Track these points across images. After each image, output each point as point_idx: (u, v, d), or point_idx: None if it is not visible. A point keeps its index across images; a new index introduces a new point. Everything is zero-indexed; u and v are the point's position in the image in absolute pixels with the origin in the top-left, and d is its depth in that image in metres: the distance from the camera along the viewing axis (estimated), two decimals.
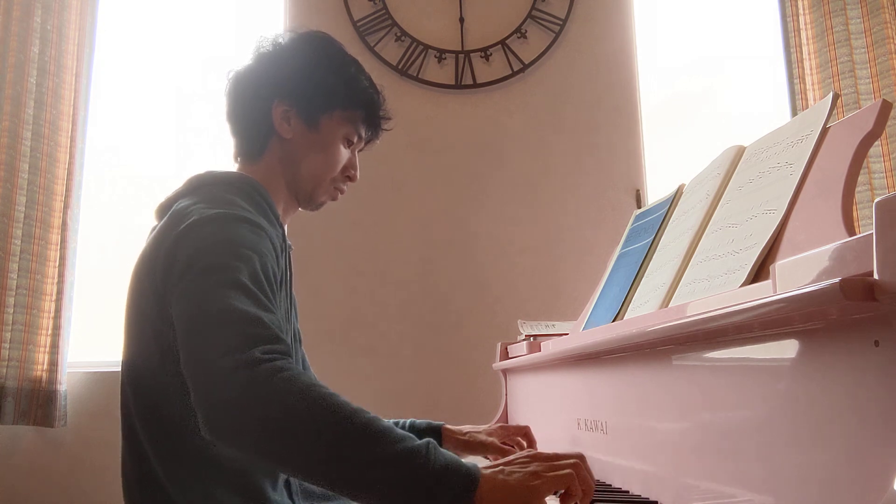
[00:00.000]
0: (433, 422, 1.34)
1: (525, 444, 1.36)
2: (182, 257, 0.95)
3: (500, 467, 0.83)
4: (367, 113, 1.21)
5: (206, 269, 0.92)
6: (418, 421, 1.34)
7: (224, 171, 1.16)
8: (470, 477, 0.79)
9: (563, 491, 0.82)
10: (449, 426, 1.34)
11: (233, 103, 1.20)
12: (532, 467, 0.82)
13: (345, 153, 1.21)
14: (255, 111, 1.17)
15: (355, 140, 1.22)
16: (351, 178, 1.24)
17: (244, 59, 1.20)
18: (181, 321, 0.90)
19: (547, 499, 0.82)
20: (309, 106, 1.16)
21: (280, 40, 1.20)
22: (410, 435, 0.81)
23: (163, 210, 1.12)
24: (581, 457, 0.85)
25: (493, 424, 1.37)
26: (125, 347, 1.08)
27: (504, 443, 1.34)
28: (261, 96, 1.17)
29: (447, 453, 0.81)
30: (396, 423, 1.34)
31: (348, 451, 0.78)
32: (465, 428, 1.34)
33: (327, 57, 1.19)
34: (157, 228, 1.07)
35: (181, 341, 0.88)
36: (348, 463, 0.78)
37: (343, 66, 1.20)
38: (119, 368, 1.09)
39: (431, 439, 0.82)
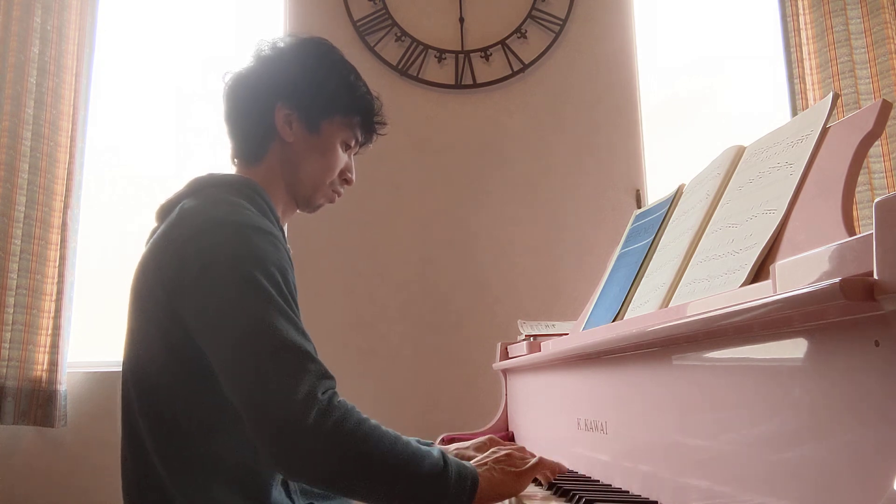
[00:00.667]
0: (422, 441, 1.33)
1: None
2: (197, 260, 0.97)
3: (488, 465, 1.06)
4: (364, 118, 1.23)
5: (239, 283, 0.96)
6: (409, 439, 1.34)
7: (225, 174, 1.17)
8: (475, 478, 1.00)
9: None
10: (437, 445, 1.33)
11: (232, 105, 1.20)
12: (510, 461, 1.07)
13: (342, 156, 1.23)
14: (256, 114, 1.18)
15: (352, 144, 1.24)
16: (348, 182, 1.27)
17: (244, 61, 1.21)
18: (219, 336, 0.95)
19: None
20: (311, 110, 1.18)
21: (280, 44, 1.20)
22: (428, 449, 0.99)
23: (165, 211, 1.12)
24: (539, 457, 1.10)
25: (481, 438, 1.36)
26: (128, 347, 1.08)
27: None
28: (262, 99, 1.17)
29: (453, 460, 1.00)
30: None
31: (400, 479, 0.95)
32: (452, 447, 1.35)
33: (329, 63, 1.21)
34: (163, 228, 1.08)
35: (223, 364, 0.95)
36: (397, 488, 0.95)
37: (344, 73, 1.22)
38: (119, 368, 1.09)
39: (441, 449, 1.01)
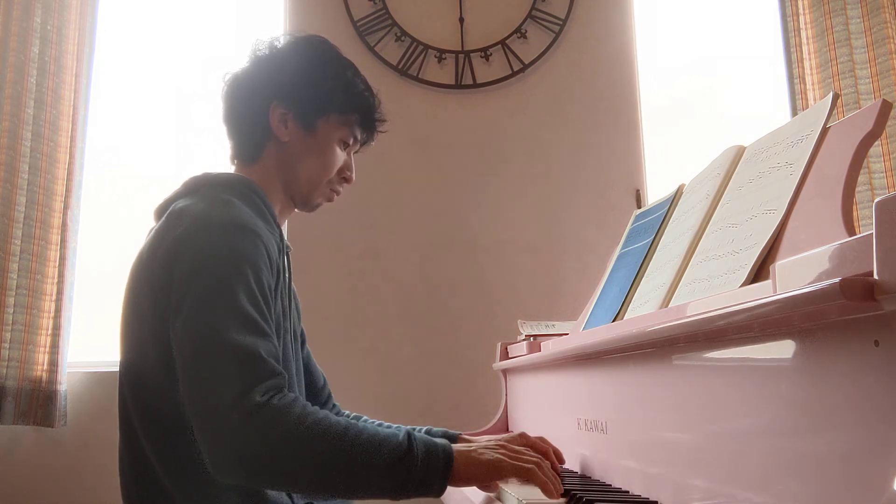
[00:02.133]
0: (449, 431, 1.31)
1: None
2: (182, 267, 0.98)
3: (474, 447, 1.02)
4: (362, 116, 1.23)
5: (205, 289, 0.96)
6: (434, 430, 1.32)
7: (222, 173, 1.16)
8: (447, 457, 0.96)
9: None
10: (464, 436, 1.31)
11: (230, 106, 1.20)
12: (500, 452, 1.01)
13: (341, 155, 1.22)
14: (252, 114, 1.18)
15: (351, 142, 1.23)
16: (347, 180, 1.26)
17: (241, 62, 1.21)
18: (180, 345, 0.95)
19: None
20: (306, 109, 1.17)
21: (277, 44, 1.20)
22: (392, 432, 0.96)
23: (161, 211, 1.13)
24: (542, 458, 1.04)
25: (514, 433, 1.34)
26: (122, 347, 1.09)
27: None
28: (258, 99, 1.17)
29: (425, 439, 0.97)
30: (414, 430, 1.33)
31: (349, 468, 0.91)
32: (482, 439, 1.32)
33: (324, 61, 1.20)
34: (155, 229, 1.08)
35: (181, 370, 0.95)
36: (352, 478, 0.92)
37: (340, 70, 1.21)
38: (118, 368, 1.09)
39: (411, 431, 0.98)
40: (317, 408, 0.95)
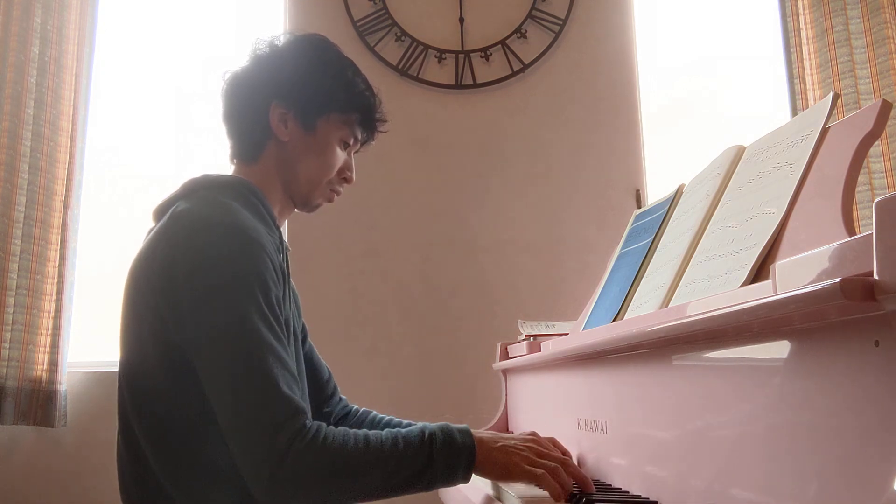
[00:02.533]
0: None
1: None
2: (186, 263, 0.97)
3: (503, 442, 1.03)
4: (363, 116, 1.22)
5: (219, 302, 0.97)
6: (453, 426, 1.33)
7: (220, 175, 1.16)
8: (469, 449, 0.99)
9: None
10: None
11: (230, 105, 1.20)
12: (525, 453, 1.02)
13: (341, 155, 1.22)
14: (252, 113, 1.17)
15: (351, 142, 1.22)
16: (347, 180, 1.25)
17: (241, 61, 1.20)
18: (205, 359, 0.97)
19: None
20: (305, 109, 1.17)
21: (277, 42, 1.20)
22: (410, 431, 0.98)
23: (160, 212, 1.12)
24: (563, 462, 1.04)
25: (526, 432, 1.35)
26: (122, 348, 1.08)
27: None
28: (258, 99, 1.17)
29: (444, 432, 0.99)
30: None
31: (376, 483, 0.96)
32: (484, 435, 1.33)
33: (324, 60, 1.20)
34: (154, 231, 1.08)
35: (205, 376, 0.97)
36: (378, 490, 0.97)
37: (340, 70, 1.20)
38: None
39: (429, 429, 1.00)
40: (331, 429, 0.97)
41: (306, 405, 0.99)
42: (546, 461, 1.02)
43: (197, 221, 1.01)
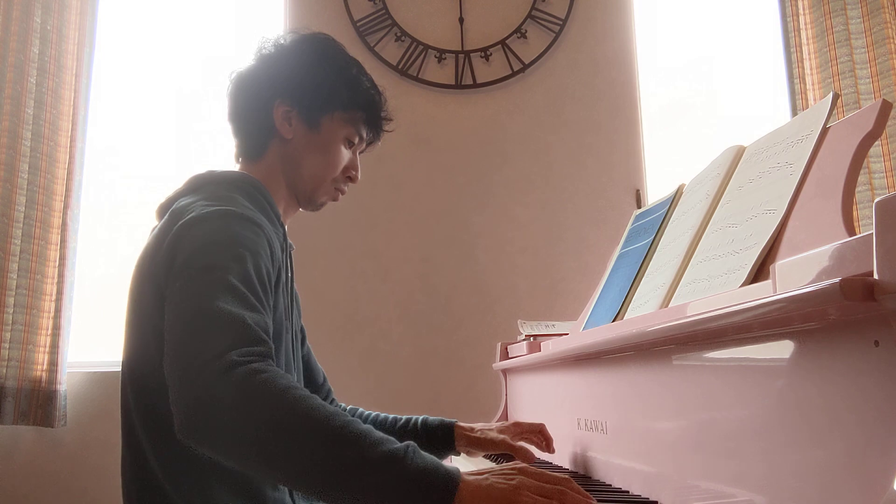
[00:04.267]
0: (446, 419, 1.34)
1: (542, 442, 1.35)
2: (180, 256, 0.96)
3: (485, 475, 0.82)
4: (367, 114, 1.22)
5: (199, 269, 0.92)
6: (431, 418, 1.34)
7: (225, 171, 1.16)
8: (449, 479, 0.78)
9: None
10: (461, 423, 1.33)
11: (235, 104, 1.20)
12: (517, 481, 0.81)
13: (346, 154, 1.22)
14: (256, 112, 1.17)
15: (356, 141, 1.22)
16: (352, 179, 1.25)
17: (246, 60, 1.21)
18: (167, 321, 0.90)
19: None
20: (309, 107, 1.17)
21: (282, 41, 1.20)
22: (390, 438, 0.80)
23: (163, 209, 1.13)
24: (568, 482, 0.83)
25: (506, 422, 1.36)
26: (126, 347, 1.08)
27: (517, 440, 1.32)
28: (262, 97, 1.17)
29: (427, 457, 0.80)
30: (409, 421, 1.34)
31: (325, 454, 0.77)
32: (478, 425, 1.34)
33: (328, 58, 1.20)
34: (158, 227, 1.08)
35: (165, 340, 0.89)
36: (325, 467, 0.77)
37: (344, 68, 1.20)
38: (119, 368, 1.09)
39: (412, 442, 0.81)
40: (305, 389, 0.83)
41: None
42: (547, 486, 0.81)
43: (197, 215, 1.01)
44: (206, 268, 0.92)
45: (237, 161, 1.22)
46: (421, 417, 1.35)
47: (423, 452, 0.80)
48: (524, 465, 0.85)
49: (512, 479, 0.81)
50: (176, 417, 0.82)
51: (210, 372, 0.80)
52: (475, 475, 0.81)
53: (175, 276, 0.94)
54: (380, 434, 0.80)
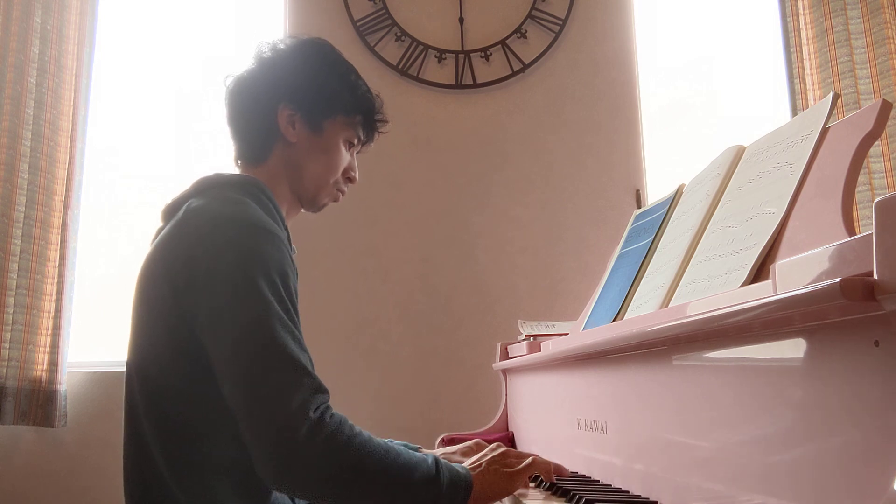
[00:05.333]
0: (409, 444, 1.34)
1: None
2: (205, 258, 0.98)
3: (482, 465, 1.07)
4: (366, 117, 1.24)
5: (243, 292, 0.96)
6: (395, 442, 1.34)
7: (231, 174, 1.18)
8: (468, 481, 1.02)
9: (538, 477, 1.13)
10: (424, 450, 1.33)
11: (235, 108, 1.20)
12: (505, 460, 1.09)
13: (346, 155, 1.24)
14: (259, 115, 1.18)
15: (355, 143, 1.25)
16: (351, 180, 1.28)
17: (245, 64, 1.21)
18: (223, 346, 0.96)
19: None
20: (313, 110, 1.18)
21: (281, 46, 1.21)
22: (421, 457, 1.00)
23: (170, 211, 1.13)
24: (534, 455, 1.12)
25: (468, 443, 1.38)
26: (133, 347, 1.08)
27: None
28: (265, 101, 1.18)
29: (446, 464, 1.01)
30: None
31: (392, 490, 0.96)
32: (438, 451, 1.36)
33: (330, 63, 1.22)
34: (169, 228, 1.08)
35: (224, 367, 0.96)
36: (390, 499, 0.97)
37: (345, 73, 1.23)
38: (119, 368, 1.09)
39: (437, 457, 1.01)
40: (357, 426, 0.98)
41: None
42: (517, 459, 1.11)
43: (215, 218, 1.02)
44: (250, 293, 0.96)
45: (237, 164, 1.23)
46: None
47: (443, 462, 1.01)
48: (504, 447, 1.13)
49: (503, 461, 1.09)
50: (261, 465, 0.93)
51: (303, 431, 0.91)
52: (476, 467, 1.06)
53: (212, 291, 0.97)
54: (414, 455, 1.00)
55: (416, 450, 1.33)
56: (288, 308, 0.99)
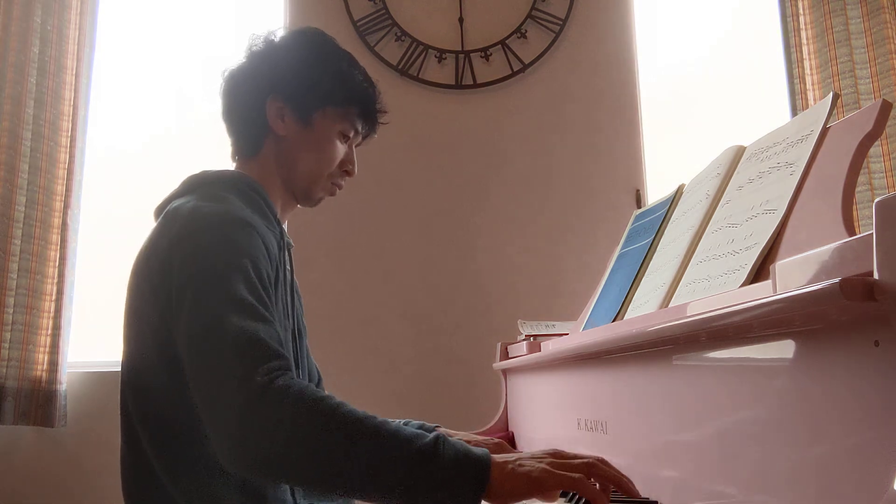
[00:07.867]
0: (427, 424, 1.31)
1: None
2: (178, 265, 0.97)
3: (516, 458, 0.85)
4: (361, 108, 1.21)
5: (203, 283, 0.94)
6: (413, 422, 1.33)
7: (220, 171, 1.16)
8: (482, 466, 0.82)
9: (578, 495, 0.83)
10: (442, 430, 1.31)
11: (228, 102, 1.20)
12: (545, 463, 0.84)
13: (341, 148, 1.21)
14: (249, 109, 1.17)
15: (351, 135, 1.22)
16: (349, 173, 1.24)
17: (238, 57, 1.21)
18: (185, 346, 0.93)
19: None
20: (301, 103, 1.16)
21: (272, 38, 1.20)
22: (420, 432, 0.84)
23: (160, 210, 1.13)
24: (600, 459, 0.86)
25: (494, 437, 1.33)
26: (124, 348, 1.08)
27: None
28: (254, 94, 1.17)
29: (458, 443, 0.84)
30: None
31: (364, 459, 0.81)
32: (460, 434, 1.32)
33: (318, 53, 1.19)
34: (154, 229, 1.08)
35: (187, 368, 0.92)
36: (365, 470, 0.81)
37: (335, 62, 1.19)
38: (119, 368, 1.09)
39: (441, 433, 0.84)
40: (329, 394, 0.88)
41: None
42: (575, 461, 0.85)
43: (192, 215, 1.01)
44: (210, 282, 0.93)
45: (233, 160, 1.22)
46: (402, 421, 1.29)
47: (452, 440, 0.84)
48: (558, 450, 0.88)
49: (540, 461, 0.84)
50: (222, 454, 0.86)
51: (239, 403, 0.83)
52: (505, 458, 0.85)
53: (178, 288, 0.95)
54: (409, 430, 0.84)
55: (432, 430, 1.27)
56: (256, 288, 0.94)
